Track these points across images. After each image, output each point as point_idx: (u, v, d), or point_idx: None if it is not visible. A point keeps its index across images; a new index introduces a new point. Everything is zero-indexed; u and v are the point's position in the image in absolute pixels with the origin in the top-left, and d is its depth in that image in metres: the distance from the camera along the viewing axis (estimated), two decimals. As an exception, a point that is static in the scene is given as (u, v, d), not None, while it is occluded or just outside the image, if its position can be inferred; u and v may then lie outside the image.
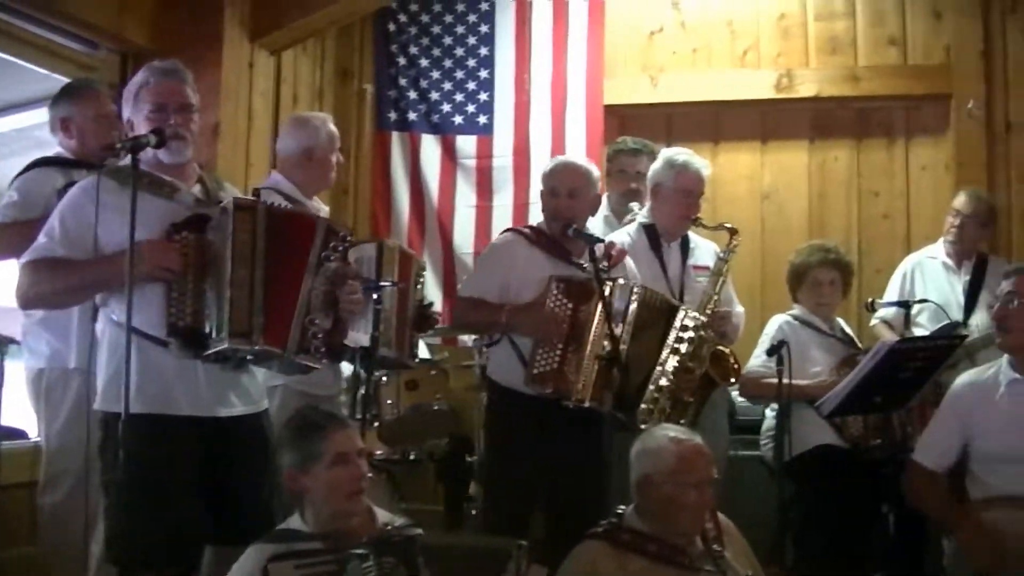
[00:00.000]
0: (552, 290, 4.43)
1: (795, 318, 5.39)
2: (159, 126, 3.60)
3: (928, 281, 5.84)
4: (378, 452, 5.39)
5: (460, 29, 7.24)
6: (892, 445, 4.85)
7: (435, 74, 7.23)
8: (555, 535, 4.22)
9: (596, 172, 4.76)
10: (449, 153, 7.17)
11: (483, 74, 7.20)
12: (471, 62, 7.21)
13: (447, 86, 7.22)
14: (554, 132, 7.05)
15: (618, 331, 4.30)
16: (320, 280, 3.69)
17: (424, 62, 7.24)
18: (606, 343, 4.25)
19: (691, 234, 5.21)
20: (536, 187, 6.82)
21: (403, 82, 7.26)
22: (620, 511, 3.64)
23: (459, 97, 7.20)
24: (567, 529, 3.79)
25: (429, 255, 7.00)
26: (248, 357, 3.66)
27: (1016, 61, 6.59)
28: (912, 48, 6.86)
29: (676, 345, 4.54)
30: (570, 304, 4.41)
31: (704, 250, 5.21)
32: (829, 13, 7.00)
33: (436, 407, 5.83)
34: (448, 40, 7.25)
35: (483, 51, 7.20)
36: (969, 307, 5.72)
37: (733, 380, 4.97)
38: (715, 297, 4.96)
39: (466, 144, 7.17)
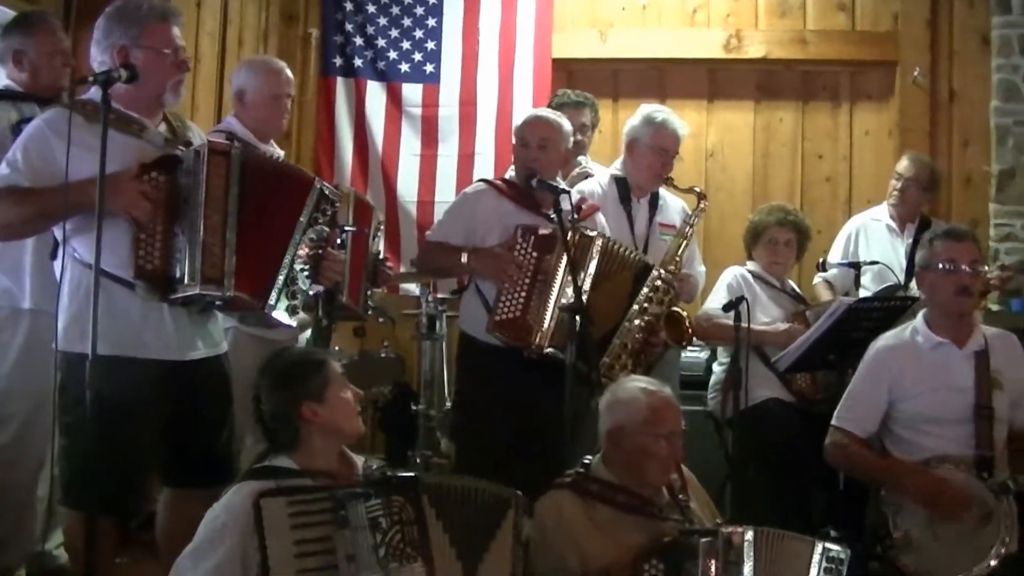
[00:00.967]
0: (517, 238, 4.46)
1: (750, 272, 5.48)
2: (131, 63, 3.51)
3: (872, 243, 5.92)
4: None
5: (409, -24, 7.16)
6: (837, 401, 4.91)
7: (382, 21, 7.13)
8: (520, 486, 4.23)
9: (568, 126, 4.77)
10: (395, 101, 7.10)
11: (431, 22, 7.11)
12: (419, 10, 7.11)
13: (394, 33, 7.12)
14: (501, 83, 7.00)
15: (581, 281, 4.31)
16: (306, 240, 3.68)
17: (371, 8, 7.12)
18: (569, 292, 4.26)
19: (661, 191, 5.24)
20: (482, 138, 6.91)
21: (349, 28, 7.15)
22: (587, 461, 3.65)
23: (406, 45, 7.12)
24: (531, 480, 3.78)
25: (372, 202, 6.91)
26: (217, 303, 3.61)
27: (961, 31, 6.67)
28: (860, 14, 6.91)
29: (645, 304, 4.58)
30: (534, 253, 4.43)
31: (672, 208, 5.25)
32: (780, -24, 7.03)
33: (384, 354, 5.83)
34: (396, -13, 7.16)
35: (431, -1, 7.14)
36: (911, 269, 5.77)
37: (686, 344, 5.01)
38: (677, 258, 4.97)
39: (412, 92, 7.09)
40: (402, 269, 6.42)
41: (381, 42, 7.12)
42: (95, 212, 3.28)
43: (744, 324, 4.75)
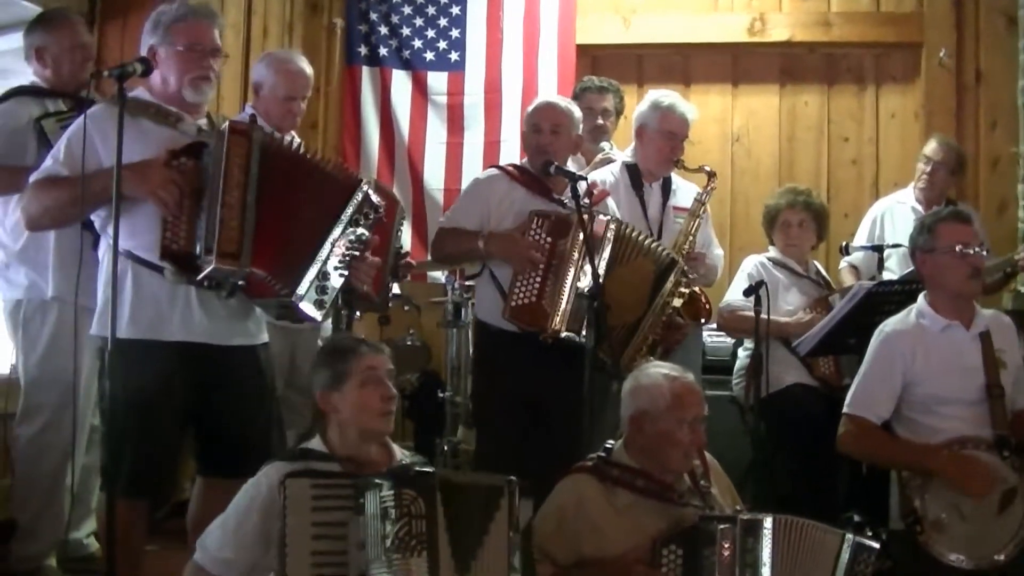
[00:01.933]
0: (532, 224, 4.48)
1: (770, 259, 5.48)
2: (193, 64, 3.69)
3: (897, 226, 5.88)
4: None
5: (431, -36, 7.18)
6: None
7: (406, 9, 7.15)
8: (538, 472, 4.26)
9: (578, 112, 4.81)
10: (420, 89, 7.12)
11: (455, 10, 7.13)
12: (443, -2, 7.16)
13: (418, 22, 7.15)
14: (526, 71, 7.02)
15: (596, 265, 4.33)
16: (344, 240, 3.73)
17: (396, -3, 7.18)
18: (584, 277, 4.29)
19: (673, 176, 5.25)
20: (507, 125, 6.93)
21: (374, 17, 7.17)
22: (608, 446, 3.66)
23: (431, 33, 7.14)
24: (550, 466, 3.81)
25: (399, 191, 6.95)
26: (240, 283, 3.65)
27: (987, 11, 6.64)
28: (885, -5, 6.89)
29: (668, 299, 4.62)
30: (548, 238, 4.46)
31: (685, 192, 5.25)
32: (803, -42, 7.00)
33: (409, 342, 5.86)
34: (419, -25, 7.18)
35: (455, -13, 7.15)
36: (937, 252, 5.78)
37: (704, 320, 5.02)
38: (690, 237, 5.02)
39: (437, 81, 7.12)
40: (428, 258, 6.45)
41: (406, 31, 7.14)
42: (125, 198, 3.43)
43: (763, 309, 4.75)
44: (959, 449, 4.04)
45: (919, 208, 5.89)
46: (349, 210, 3.76)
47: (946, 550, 3.94)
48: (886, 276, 5.52)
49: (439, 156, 7.09)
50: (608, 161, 5.49)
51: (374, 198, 3.84)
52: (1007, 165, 6.49)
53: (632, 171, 5.18)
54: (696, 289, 4.90)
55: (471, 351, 5.67)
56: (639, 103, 5.34)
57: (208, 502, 3.81)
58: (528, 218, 4.51)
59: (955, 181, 6.04)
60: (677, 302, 4.65)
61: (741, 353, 5.56)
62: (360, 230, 3.78)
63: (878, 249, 5.46)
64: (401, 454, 3.34)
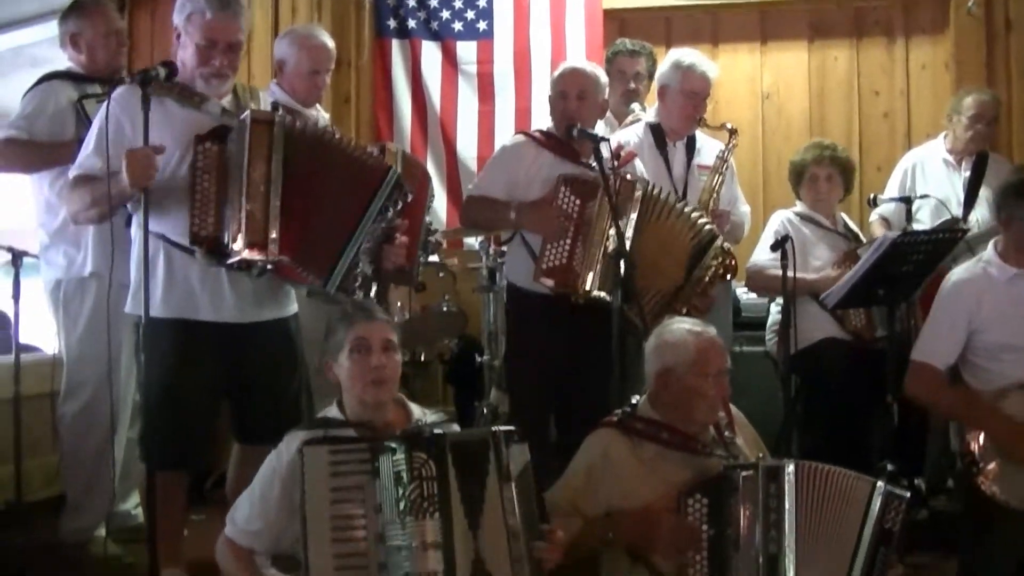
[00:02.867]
0: (560, 188, 4.51)
1: (797, 214, 5.48)
2: (204, 61, 3.79)
3: (929, 177, 5.88)
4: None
5: (457, -67, 7.20)
6: (894, 338, 4.95)
7: (433, -20, 7.21)
8: (567, 431, 4.33)
9: (604, 78, 4.83)
10: (450, 59, 7.15)
11: (481, -21, 7.18)
12: (469, -33, 7.19)
13: (445, -8, 7.20)
14: (554, 36, 7.02)
15: (624, 226, 4.37)
16: (375, 227, 3.81)
17: (422, -32, 7.21)
18: (612, 238, 4.33)
19: (698, 134, 5.27)
20: (537, 92, 6.96)
21: (401, -11, 7.23)
22: (633, 401, 3.72)
23: (458, 3, 7.14)
24: (579, 425, 3.87)
25: (432, 161, 7.03)
26: (269, 267, 3.74)
27: (1014, -43, 6.57)
28: (911, -55, 6.84)
29: (706, 272, 4.66)
30: (577, 201, 4.48)
31: (710, 150, 5.26)
32: (827, -88, 6.96)
33: (445, 308, 5.93)
34: (445, -55, 7.21)
35: (480, -44, 7.17)
36: (969, 203, 5.76)
37: (729, 276, 5.04)
38: (714, 194, 5.06)
39: (467, 50, 7.14)
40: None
41: (433, 2, 7.15)
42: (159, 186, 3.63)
43: (789, 264, 4.77)
44: (1016, 393, 4.07)
45: (950, 159, 5.88)
46: (379, 198, 3.81)
47: (1000, 491, 3.97)
48: (917, 228, 5.51)
49: (471, 125, 7.13)
50: (638, 121, 5.51)
51: (403, 184, 3.87)
52: (1040, 113, 6.43)
53: (656, 131, 5.20)
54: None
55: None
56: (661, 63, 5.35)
57: (245, 469, 3.93)
58: (556, 182, 4.54)
59: (992, 132, 5.99)
60: (709, 274, 4.68)
61: (773, 309, 5.57)
62: (391, 215, 3.85)
63: (907, 201, 5.44)
64: (420, 413, 3.39)
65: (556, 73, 4.86)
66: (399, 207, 3.88)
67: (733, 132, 5.21)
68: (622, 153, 4.70)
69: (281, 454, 3.22)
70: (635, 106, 5.80)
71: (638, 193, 4.54)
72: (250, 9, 6.11)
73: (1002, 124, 6.32)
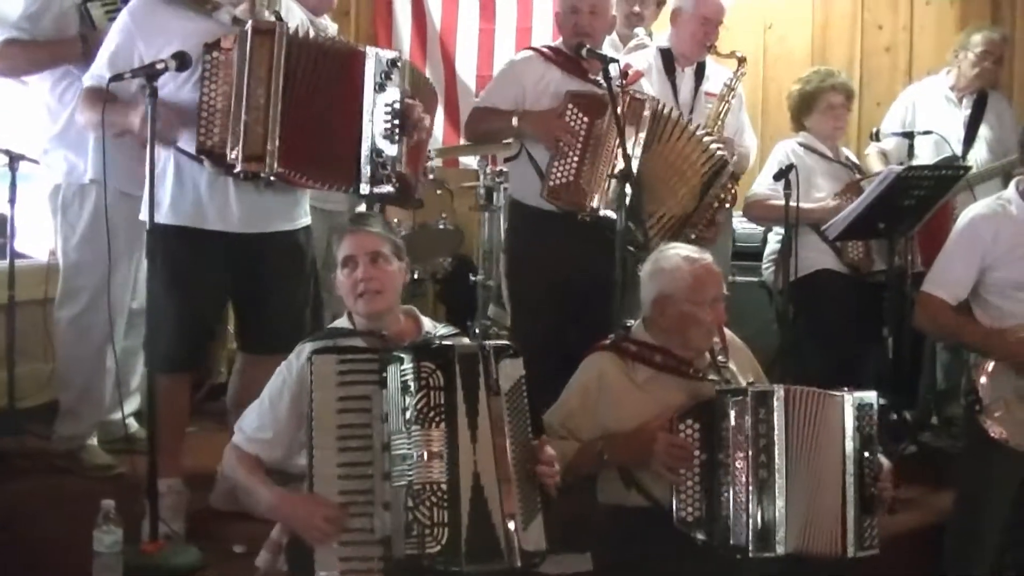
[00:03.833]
0: (567, 105, 4.47)
1: (801, 144, 5.46)
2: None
3: (929, 113, 5.84)
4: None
5: None
6: (893, 271, 4.99)
7: None
8: (570, 348, 4.33)
9: None
10: (452, -25, 7.10)
11: None
12: None
13: (449, -93, 7.10)
14: (559, -45, 6.96)
15: (632, 145, 4.35)
16: (381, 111, 3.79)
17: None
18: (619, 158, 4.31)
19: (708, 61, 5.25)
20: (539, 11, 6.91)
21: (405, -97, 7.12)
22: (628, 324, 3.74)
23: (461, -81, 7.10)
24: (582, 342, 3.88)
25: (431, 78, 6.95)
26: (271, 179, 3.73)
27: None
28: None
29: (717, 198, 4.65)
30: (585, 119, 4.45)
31: (718, 78, 5.24)
32: None
33: (442, 226, 5.93)
34: None
35: None
36: (969, 141, 5.75)
37: (729, 204, 5.03)
38: (718, 122, 5.04)
39: (468, -33, 7.09)
40: (461, 140, 6.48)
41: (437, -84, 7.09)
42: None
43: (792, 194, 4.78)
44: None
45: (951, 95, 5.85)
46: (370, 79, 3.81)
47: (1002, 430, 4.01)
48: (916, 163, 5.52)
49: (472, 43, 7.10)
50: (641, 47, 5.48)
51: (383, 56, 3.86)
52: (1046, 49, 6.41)
53: (666, 56, 5.18)
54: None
55: (503, 235, 5.73)
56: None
57: (248, 378, 3.97)
58: (564, 99, 4.50)
59: (999, 70, 5.95)
60: (716, 203, 4.67)
61: (771, 238, 5.59)
62: (389, 90, 3.83)
63: (908, 135, 5.43)
64: (431, 326, 3.38)
65: None
66: (392, 79, 3.85)
67: (742, 60, 5.19)
68: (630, 72, 4.65)
69: (291, 364, 3.22)
70: (639, 30, 5.74)
71: (647, 112, 4.50)
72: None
73: (1005, 61, 6.29)
